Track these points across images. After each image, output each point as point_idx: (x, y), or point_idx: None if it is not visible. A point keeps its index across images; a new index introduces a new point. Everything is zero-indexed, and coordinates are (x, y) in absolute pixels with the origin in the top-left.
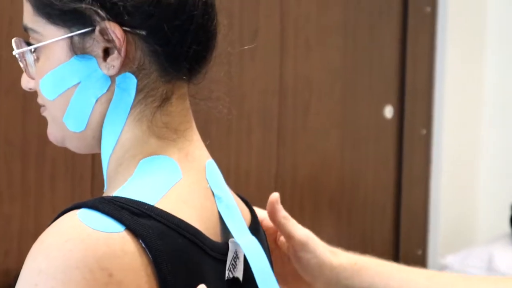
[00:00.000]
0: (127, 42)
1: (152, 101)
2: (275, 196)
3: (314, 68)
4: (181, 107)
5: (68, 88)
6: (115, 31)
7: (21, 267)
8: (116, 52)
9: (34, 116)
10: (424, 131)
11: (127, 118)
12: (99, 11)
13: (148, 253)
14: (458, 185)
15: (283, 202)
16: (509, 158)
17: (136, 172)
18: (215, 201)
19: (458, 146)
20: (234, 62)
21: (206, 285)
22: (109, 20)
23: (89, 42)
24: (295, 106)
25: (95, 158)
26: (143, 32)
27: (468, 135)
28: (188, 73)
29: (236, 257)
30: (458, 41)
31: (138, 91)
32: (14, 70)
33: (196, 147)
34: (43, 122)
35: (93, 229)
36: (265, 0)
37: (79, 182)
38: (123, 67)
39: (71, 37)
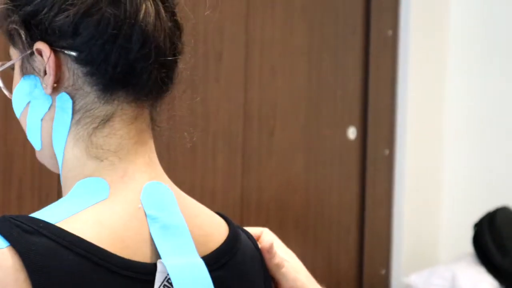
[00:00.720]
0: (58, 62)
1: (90, 122)
2: (265, 245)
3: (279, 92)
4: (125, 130)
5: (24, 108)
6: (43, 50)
7: None
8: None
9: (0, 137)
10: (387, 152)
11: (67, 138)
12: (21, 32)
13: (25, 269)
14: (421, 204)
15: (248, 222)
16: (471, 178)
17: (69, 193)
18: (147, 222)
19: (420, 166)
20: (199, 84)
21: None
22: (41, 40)
23: (35, 63)
24: (260, 128)
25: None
26: (73, 53)
27: (431, 155)
28: (137, 94)
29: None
30: (419, 63)
31: (75, 111)
32: None
33: (137, 169)
34: (9, 141)
35: None
36: (229, 23)
37: (45, 201)
38: (61, 87)
39: (22, 58)
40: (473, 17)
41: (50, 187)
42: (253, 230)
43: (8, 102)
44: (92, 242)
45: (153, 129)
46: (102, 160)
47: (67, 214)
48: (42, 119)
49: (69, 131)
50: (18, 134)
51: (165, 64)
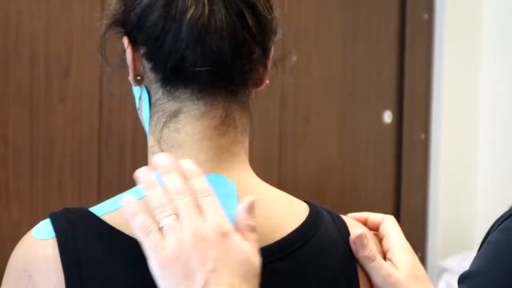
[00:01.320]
0: (135, 56)
1: (161, 117)
2: (351, 236)
3: (314, 77)
4: (191, 126)
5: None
6: (124, 44)
7: None
8: None
9: (41, 122)
10: (422, 136)
11: (148, 128)
12: (112, 24)
13: (61, 260)
14: (456, 188)
15: None
16: (507, 162)
17: None
18: None
19: (456, 150)
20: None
21: None
22: (126, 34)
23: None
24: (296, 114)
25: (101, 163)
26: (141, 48)
27: (466, 139)
28: (201, 93)
29: None
30: (455, 46)
31: (152, 105)
32: (21, 75)
33: (198, 163)
34: (51, 127)
35: (33, 236)
36: None
37: (85, 187)
38: (143, 80)
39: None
40: (509, 0)
41: (90, 174)
42: (374, 217)
43: (50, 88)
44: (128, 234)
45: (228, 125)
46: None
47: (116, 206)
48: (138, 109)
49: (149, 123)
50: (59, 120)
51: (223, 63)
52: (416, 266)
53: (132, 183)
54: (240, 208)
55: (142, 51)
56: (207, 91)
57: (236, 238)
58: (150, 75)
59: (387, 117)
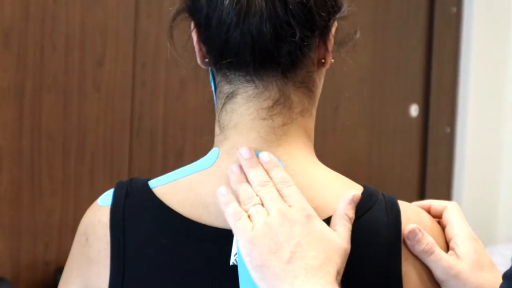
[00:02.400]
0: (200, 42)
1: (221, 98)
2: (404, 232)
3: (344, 68)
4: (245, 107)
5: None
6: (191, 27)
7: (60, 260)
8: None
9: (74, 112)
10: (448, 129)
11: (215, 108)
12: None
13: (110, 226)
14: (481, 183)
15: None
16: None
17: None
18: None
19: (481, 144)
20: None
21: (185, 266)
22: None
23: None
24: (325, 105)
25: (132, 152)
26: (198, 32)
27: (492, 133)
28: (251, 75)
29: None
30: (483, 41)
31: (216, 86)
32: (56, 66)
33: (246, 142)
34: (83, 117)
35: (98, 202)
36: None
37: (117, 175)
38: (209, 63)
39: None
40: None
41: (122, 162)
42: (436, 204)
43: (84, 77)
44: (172, 207)
45: (283, 106)
46: (222, 133)
47: (173, 178)
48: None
49: (216, 103)
50: (92, 109)
51: (264, 45)
52: (480, 254)
53: (162, 172)
54: (343, 198)
55: (199, 34)
56: (257, 73)
57: (318, 221)
58: (208, 58)
59: (414, 110)
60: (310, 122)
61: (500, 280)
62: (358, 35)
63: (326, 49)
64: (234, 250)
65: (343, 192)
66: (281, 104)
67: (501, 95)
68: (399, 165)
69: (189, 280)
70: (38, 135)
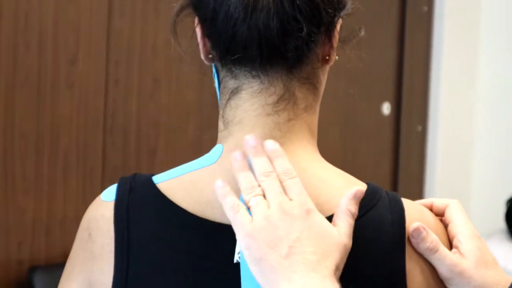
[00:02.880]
0: (204, 38)
1: (225, 93)
2: (409, 230)
3: None
4: (249, 102)
5: None
6: (195, 23)
7: (34, 258)
8: None
9: (47, 110)
10: (420, 128)
11: (219, 104)
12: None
13: (114, 221)
14: (452, 181)
15: None
16: (503, 154)
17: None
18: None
19: (453, 142)
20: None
21: (190, 263)
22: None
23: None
24: None
25: (106, 150)
26: (203, 27)
27: (463, 132)
28: (256, 70)
29: None
30: (453, 39)
31: (220, 81)
32: (29, 64)
33: None
34: (56, 115)
35: (101, 197)
36: None
37: (90, 173)
38: (213, 59)
39: None
40: None
41: (95, 160)
42: (438, 203)
43: (57, 75)
44: (175, 202)
45: (287, 102)
46: (226, 129)
47: (177, 174)
48: (216, 86)
49: (219, 99)
50: (65, 107)
51: (271, 40)
52: (483, 252)
53: (135, 170)
54: (346, 194)
55: (204, 29)
56: (263, 68)
57: (318, 215)
58: (213, 53)
59: (386, 108)
60: (314, 119)
61: (505, 277)
62: (362, 33)
63: (331, 45)
64: (238, 248)
65: (346, 190)
66: (286, 100)
67: (472, 93)
68: (372, 163)
69: (194, 276)
70: (11, 133)
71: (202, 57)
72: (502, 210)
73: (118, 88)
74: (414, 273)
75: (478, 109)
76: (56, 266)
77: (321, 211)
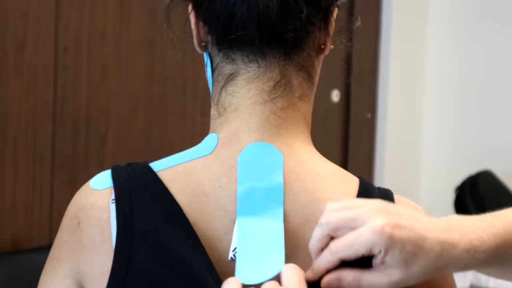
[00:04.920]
0: (197, 21)
1: (220, 80)
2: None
3: None
4: (245, 89)
5: None
6: (189, 10)
7: None
8: None
9: None
10: (369, 115)
11: (212, 93)
12: None
13: (110, 211)
14: (402, 167)
15: None
16: (452, 142)
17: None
18: (238, 180)
19: (402, 129)
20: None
21: (184, 259)
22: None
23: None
24: None
25: (55, 137)
26: (200, 12)
27: (412, 119)
28: (253, 54)
29: None
30: (402, 27)
31: (214, 69)
32: None
33: (248, 129)
34: (5, 101)
35: (89, 185)
36: None
37: (40, 161)
38: (208, 47)
39: None
40: None
41: (44, 147)
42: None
43: (5, 61)
44: (173, 194)
45: (283, 89)
46: (222, 117)
47: (173, 164)
48: (207, 75)
49: (212, 88)
50: (14, 94)
51: (270, 21)
52: (406, 242)
53: (85, 158)
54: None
55: (200, 14)
56: (260, 52)
57: None
58: (209, 39)
59: (335, 96)
60: (309, 108)
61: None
62: (359, 22)
63: (327, 33)
64: (233, 245)
65: (342, 184)
66: (282, 86)
67: (420, 81)
68: (321, 150)
69: (189, 274)
70: None
71: (196, 44)
72: (451, 197)
73: (67, 75)
74: None
75: (426, 96)
76: (7, 254)
77: (316, 207)
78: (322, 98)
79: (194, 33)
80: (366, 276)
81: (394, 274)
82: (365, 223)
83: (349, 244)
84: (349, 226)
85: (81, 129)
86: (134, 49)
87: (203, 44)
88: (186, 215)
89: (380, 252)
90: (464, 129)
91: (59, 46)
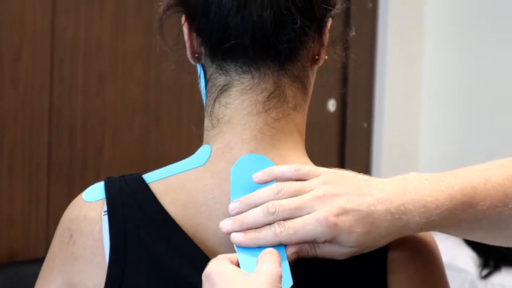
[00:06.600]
0: (191, 33)
1: (213, 92)
2: None
3: None
4: (239, 100)
5: None
6: (182, 21)
7: None
8: None
9: None
10: (365, 124)
11: (205, 104)
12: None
13: (102, 222)
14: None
15: None
16: (448, 151)
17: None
18: (230, 192)
19: (398, 139)
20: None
21: (178, 263)
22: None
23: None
24: None
25: (51, 148)
26: (193, 23)
27: (408, 128)
28: (247, 66)
29: None
30: (398, 36)
31: (207, 81)
32: None
33: (241, 140)
34: (1, 113)
35: (82, 197)
36: None
37: (36, 171)
38: (201, 58)
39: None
40: None
41: (41, 158)
42: None
43: (1, 72)
44: (164, 207)
45: (277, 100)
46: (215, 128)
47: (165, 175)
48: (200, 87)
49: (205, 99)
50: (10, 105)
51: (264, 32)
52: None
53: (82, 168)
54: None
55: (193, 26)
56: (254, 63)
57: None
58: (202, 50)
59: (332, 105)
60: (303, 119)
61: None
62: (353, 32)
63: (322, 44)
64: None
65: None
66: (276, 97)
67: (417, 90)
68: (318, 159)
69: (184, 287)
70: None
71: (189, 56)
72: None
73: (63, 85)
74: (397, 272)
75: (423, 105)
76: (3, 265)
77: None
78: (318, 107)
79: (187, 44)
80: (322, 246)
81: (347, 249)
82: (310, 212)
83: (293, 232)
84: (295, 216)
85: (77, 138)
86: (130, 59)
87: (196, 55)
88: (179, 227)
89: (325, 241)
90: (460, 139)
91: (55, 56)
